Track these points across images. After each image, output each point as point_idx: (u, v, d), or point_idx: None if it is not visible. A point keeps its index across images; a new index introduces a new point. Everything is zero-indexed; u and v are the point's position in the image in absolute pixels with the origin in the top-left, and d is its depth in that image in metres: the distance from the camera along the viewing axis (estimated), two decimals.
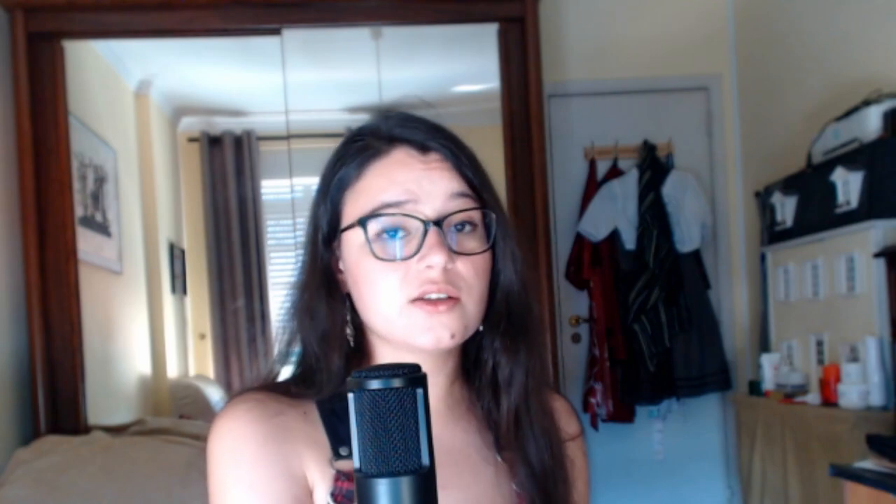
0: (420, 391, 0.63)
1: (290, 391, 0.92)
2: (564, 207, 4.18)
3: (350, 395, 0.63)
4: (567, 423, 1.01)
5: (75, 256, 3.08)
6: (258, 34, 3.29)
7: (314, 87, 3.65)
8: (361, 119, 0.97)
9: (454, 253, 0.86)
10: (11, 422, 2.93)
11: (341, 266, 0.93)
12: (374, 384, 0.62)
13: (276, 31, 3.23)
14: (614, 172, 4.15)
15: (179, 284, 4.04)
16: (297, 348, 0.95)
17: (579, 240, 4.12)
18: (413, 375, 0.63)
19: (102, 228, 3.42)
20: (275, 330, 0.98)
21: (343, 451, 0.88)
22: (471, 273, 0.87)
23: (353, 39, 3.41)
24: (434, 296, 0.86)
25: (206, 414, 3.66)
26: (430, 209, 0.86)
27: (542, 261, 3.23)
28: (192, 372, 4.08)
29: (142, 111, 3.89)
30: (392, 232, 0.87)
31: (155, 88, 3.91)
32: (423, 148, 0.89)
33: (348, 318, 0.93)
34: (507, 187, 3.26)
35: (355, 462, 0.63)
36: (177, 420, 3.63)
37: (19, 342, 3.02)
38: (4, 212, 3.01)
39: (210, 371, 4.05)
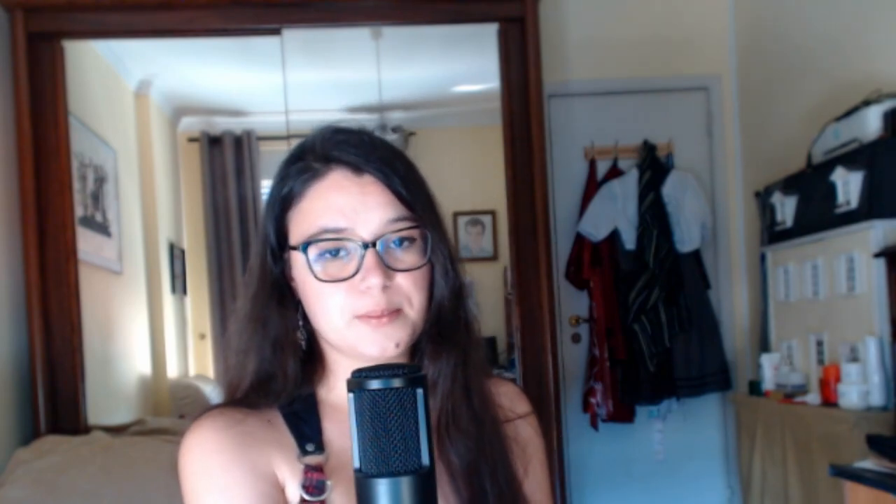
0: (420, 391, 0.63)
1: (250, 402, 0.96)
2: (564, 207, 4.18)
3: (350, 395, 0.63)
4: (516, 404, 1.08)
5: (75, 256, 3.08)
6: (258, 34, 3.29)
7: (314, 87, 3.65)
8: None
9: (392, 270, 0.93)
10: (11, 422, 2.93)
11: (293, 274, 0.98)
12: (375, 384, 0.62)
13: (276, 31, 3.23)
14: (614, 172, 4.15)
15: (179, 284, 4.04)
16: (252, 358, 0.99)
17: (579, 240, 4.12)
18: (413, 375, 0.63)
19: (102, 228, 3.42)
20: (227, 341, 1.03)
21: (309, 448, 0.93)
22: (410, 286, 0.94)
23: (353, 39, 3.41)
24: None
25: None
26: (367, 232, 0.92)
27: (542, 261, 3.23)
28: (192, 372, 4.09)
29: (142, 111, 3.89)
30: (333, 252, 0.93)
31: (155, 88, 3.91)
32: (358, 170, 0.94)
33: (300, 324, 0.99)
34: (507, 187, 3.26)
35: (355, 462, 0.63)
36: (177, 420, 3.63)
37: (19, 342, 3.02)
38: (4, 212, 3.01)
39: (210, 371, 4.05)
